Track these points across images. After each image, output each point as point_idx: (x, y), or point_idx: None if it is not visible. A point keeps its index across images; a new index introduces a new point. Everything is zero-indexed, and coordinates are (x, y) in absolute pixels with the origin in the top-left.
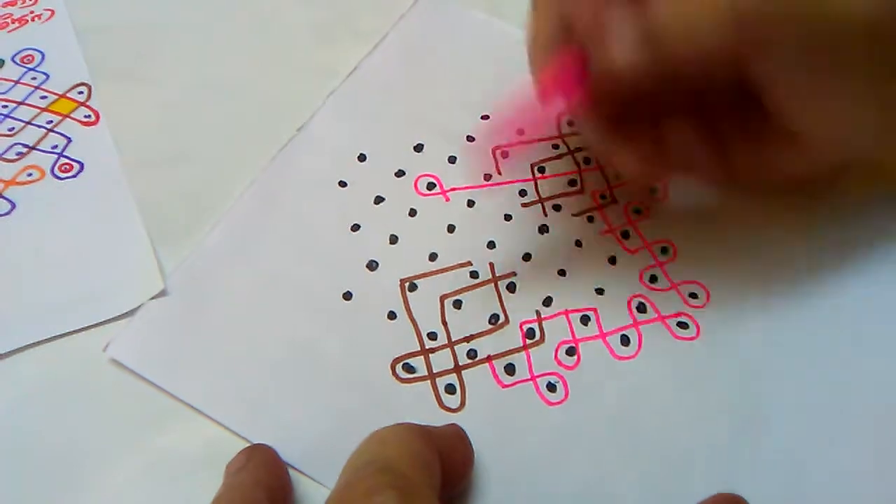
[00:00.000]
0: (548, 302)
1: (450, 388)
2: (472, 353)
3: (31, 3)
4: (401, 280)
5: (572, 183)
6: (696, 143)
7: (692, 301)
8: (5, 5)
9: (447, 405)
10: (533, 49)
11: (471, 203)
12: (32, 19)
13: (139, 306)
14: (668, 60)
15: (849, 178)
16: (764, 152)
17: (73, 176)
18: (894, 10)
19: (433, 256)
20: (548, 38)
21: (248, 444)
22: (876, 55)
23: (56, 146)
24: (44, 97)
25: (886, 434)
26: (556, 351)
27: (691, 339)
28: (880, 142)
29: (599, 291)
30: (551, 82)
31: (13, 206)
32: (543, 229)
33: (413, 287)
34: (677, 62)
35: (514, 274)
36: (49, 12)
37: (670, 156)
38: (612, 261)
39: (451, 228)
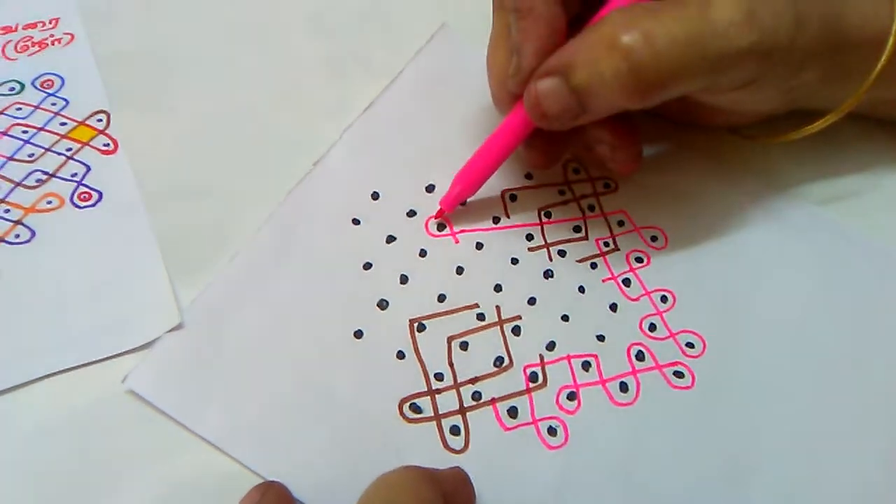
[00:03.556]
0: (551, 346)
1: (454, 430)
2: (476, 395)
3: (51, 26)
4: (410, 320)
5: (577, 229)
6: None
7: (689, 351)
8: (26, 27)
9: (452, 446)
10: (491, 83)
11: (479, 245)
12: (52, 43)
13: (156, 339)
14: (590, 112)
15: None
16: (695, 111)
17: (93, 205)
18: (771, 35)
19: (442, 298)
20: (504, 74)
21: (260, 480)
22: (768, 66)
23: (76, 174)
24: (63, 123)
25: (882, 480)
26: (558, 395)
27: (686, 388)
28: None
29: (600, 338)
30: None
31: (33, 234)
32: (548, 274)
33: (422, 327)
34: (598, 112)
35: (520, 317)
36: (69, 36)
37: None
38: (613, 308)
39: (459, 270)
